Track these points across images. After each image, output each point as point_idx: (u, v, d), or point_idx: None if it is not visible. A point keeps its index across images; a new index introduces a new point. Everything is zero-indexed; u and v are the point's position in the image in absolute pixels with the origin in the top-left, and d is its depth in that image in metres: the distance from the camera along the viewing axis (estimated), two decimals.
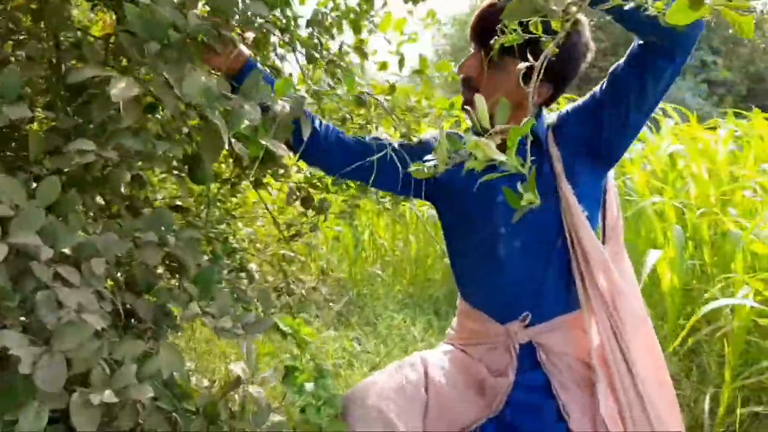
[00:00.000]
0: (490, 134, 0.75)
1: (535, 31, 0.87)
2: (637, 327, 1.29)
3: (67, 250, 0.79)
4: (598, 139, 1.25)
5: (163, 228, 0.89)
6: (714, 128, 3.45)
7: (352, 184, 1.73)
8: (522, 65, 0.84)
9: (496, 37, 0.92)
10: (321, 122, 1.37)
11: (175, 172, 1.15)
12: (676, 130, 3.06)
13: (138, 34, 0.69)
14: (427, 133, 1.57)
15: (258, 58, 1.45)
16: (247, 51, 1.20)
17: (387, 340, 2.25)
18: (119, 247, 0.82)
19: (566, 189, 1.27)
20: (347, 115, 1.81)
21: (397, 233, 3.48)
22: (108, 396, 0.68)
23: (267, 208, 1.82)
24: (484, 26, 1.26)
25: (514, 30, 0.90)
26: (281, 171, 1.51)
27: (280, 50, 1.59)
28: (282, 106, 0.82)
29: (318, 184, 1.78)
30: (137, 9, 0.69)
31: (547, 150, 1.30)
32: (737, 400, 1.90)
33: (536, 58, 0.80)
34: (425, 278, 3.06)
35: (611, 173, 1.37)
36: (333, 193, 1.82)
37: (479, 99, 0.75)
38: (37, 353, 0.65)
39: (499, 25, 0.91)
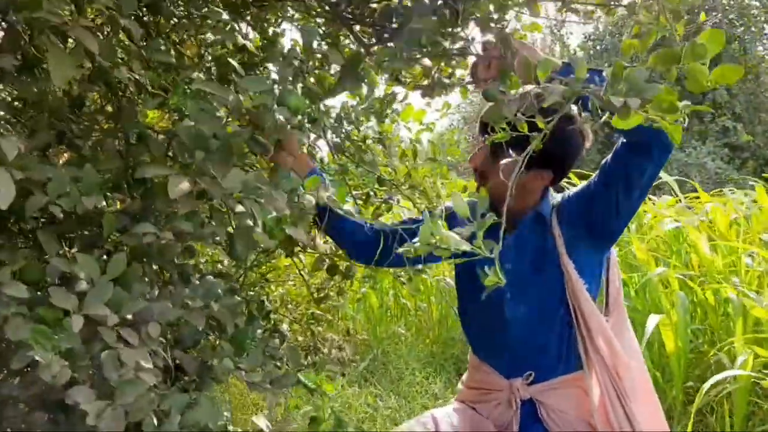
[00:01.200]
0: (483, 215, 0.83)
1: (521, 130, 0.98)
2: (641, 396, 1.33)
3: (128, 316, 0.90)
4: (593, 222, 1.33)
5: (208, 296, 0.99)
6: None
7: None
8: (506, 160, 0.94)
9: (489, 134, 1.03)
10: (356, 222, 1.44)
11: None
12: (684, 201, 3.09)
13: (187, 145, 0.82)
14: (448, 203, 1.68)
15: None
16: (311, 162, 1.38)
17: (408, 397, 2.29)
18: (172, 313, 0.92)
19: (567, 263, 1.34)
20: (371, 192, 1.94)
21: (420, 294, 3.54)
22: None
23: (299, 272, 1.92)
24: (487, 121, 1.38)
25: (503, 128, 1.01)
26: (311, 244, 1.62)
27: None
28: (308, 200, 0.94)
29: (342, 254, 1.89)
30: (184, 125, 0.82)
31: (551, 227, 1.38)
32: None
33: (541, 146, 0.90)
34: (447, 337, 3.10)
35: (614, 249, 1.44)
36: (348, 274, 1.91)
37: (455, 196, 0.85)
38: (101, 407, 0.74)
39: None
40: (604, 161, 1.28)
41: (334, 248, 1.84)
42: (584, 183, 1.39)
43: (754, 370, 1.80)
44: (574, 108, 1.33)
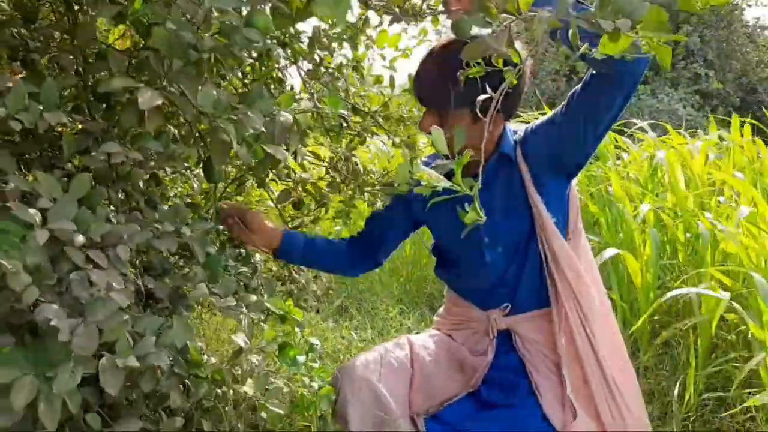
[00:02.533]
0: (453, 157, 0.84)
1: (496, 65, 0.97)
2: (600, 317, 1.39)
3: (96, 238, 0.89)
4: (559, 156, 1.34)
5: (178, 220, 0.99)
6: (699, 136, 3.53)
7: (348, 189, 1.83)
8: (481, 97, 0.94)
9: (460, 71, 1.02)
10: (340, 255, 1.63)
11: (188, 171, 1.25)
12: (658, 141, 3.14)
13: (162, 53, 0.79)
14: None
15: (263, 69, 1.56)
16: (278, 229, 1.50)
17: (383, 331, 2.35)
18: (141, 236, 0.92)
19: (535, 197, 1.37)
20: (344, 122, 1.91)
21: None
22: (131, 361, 0.77)
23: (273, 202, 1.91)
24: (423, 86, 1.37)
25: (477, 63, 1.00)
26: (285, 172, 1.61)
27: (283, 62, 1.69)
28: (285, 117, 0.92)
29: (312, 185, 1.88)
30: (164, 32, 0.79)
31: (517, 164, 1.40)
32: (704, 387, 2.00)
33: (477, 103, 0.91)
34: (420, 276, 3.16)
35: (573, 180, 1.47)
36: (321, 202, 1.91)
37: (435, 129, 0.84)
38: (73, 324, 0.75)
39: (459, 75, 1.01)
40: (571, 93, 1.29)
41: (302, 179, 1.83)
42: (548, 116, 1.39)
43: (719, 303, 1.89)
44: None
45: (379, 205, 1.86)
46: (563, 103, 1.32)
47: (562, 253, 1.36)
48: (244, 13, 0.97)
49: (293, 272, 1.67)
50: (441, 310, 1.67)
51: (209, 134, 0.84)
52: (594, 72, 1.19)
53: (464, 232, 0.90)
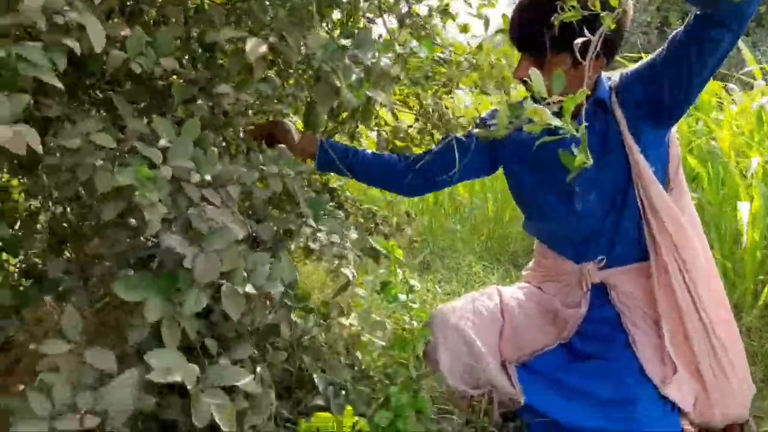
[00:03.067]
0: (548, 102, 0.83)
1: (593, 8, 0.94)
2: (702, 270, 1.34)
3: (208, 178, 0.95)
4: (658, 102, 1.29)
5: (282, 163, 1.04)
6: None
7: (432, 138, 1.84)
8: (579, 40, 0.91)
9: (556, 15, 0.99)
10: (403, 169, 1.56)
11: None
12: (765, 88, 2.93)
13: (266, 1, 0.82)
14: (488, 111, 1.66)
15: (349, 24, 1.58)
16: (313, 136, 1.42)
17: (467, 285, 2.37)
18: (249, 177, 0.97)
19: (632, 145, 1.33)
20: (429, 73, 1.91)
21: (476, 192, 3.56)
22: (249, 288, 0.83)
23: None
24: (521, 30, 1.33)
25: (572, 6, 0.97)
26: (376, 120, 1.64)
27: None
28: (385, 62, 0.94)
29: (404, 137, 1.90)
30: None
31: (612, 111, 1.36)
32: None
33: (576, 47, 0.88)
34: (503, 234, 3.14)
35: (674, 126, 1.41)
36: (416, 146, 1.93)
37: (534, 72, 0.82)
38: (195, 252, 0.81)
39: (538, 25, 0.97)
40: (672, 36, 1.23)
41: (394, 128, 1.86)
42: (645, 60, 1.34)
43: None
44: None
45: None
46: (663, 46, 1.26)
47: (660, 203, 1.32)
48: None
49: (378, 224, 1.71)
50: (530, 263, 1.67)
51: (315, 80, 0.87)
52: (698, 13, 1.13)
53: (570, 176, 0.88)
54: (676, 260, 1.33)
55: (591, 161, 0.80)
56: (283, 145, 1.29)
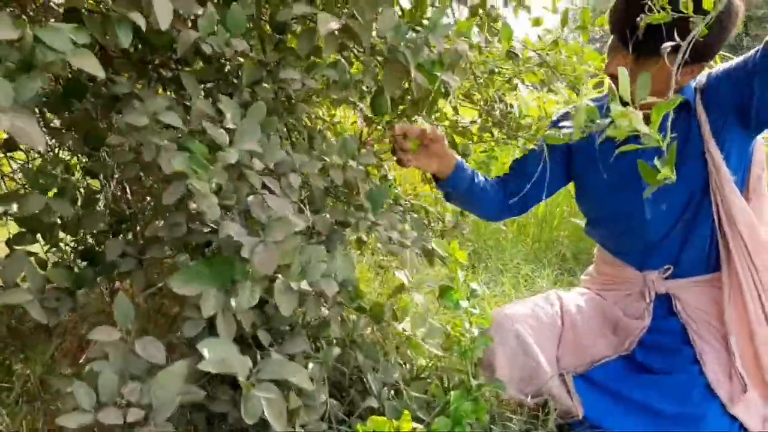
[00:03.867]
0: (634, 106, 0.75)
1: (685, 11, 0.86)
2: None
3: (270, 165, 0.92)
4: (748, 106, 1.19)
5: (345, 153, 0.99)
6: None
7: (500, 134, 1.76)
8: (667, 44, 0.83)
9: (641, 16, 0.91)
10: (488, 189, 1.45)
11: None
12: None
13: None
14: (562, 110, 1.57)
15: (417, 12, 1.51)
16: (454, 155, 1.35)
17: (516, 286, 2.29)
18: (312, 166, 0.93)
19: (714, 151, 1.23)
20: (495, 68, 1.84)
21: None
22: (304, 284, 0.79)
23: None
24: (626, 23, 1.18)
25: (662, 8, 0.89)
26: (436, 114, 1.57)
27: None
28: (462, 47, 0.88)
29: (462, 129, 1.83)
30: None
31: (695, 112, 1.26)
32: None
33: (663, 51, 0.80)
34: (550, 237, 3.04)
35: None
36: (475, 143, 1.86)
37: (622, 72, 0.75)
38: (254, 242, 0.77)
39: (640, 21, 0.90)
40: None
41: (453, 122, 1.79)
42: (736, 60, 1.23)
43: None
44: None
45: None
46: (759, 46, 1.16)
47: (739, 214, 1.23)
48: None
49: (431, 221, 1.65)
50: (590, 268, 1.59)
51: (385, 62, 0.82)
52: None
53: (647, 191, 0.80)
54: (751, 274, 1.24)
55: (674, 177, 0.73)
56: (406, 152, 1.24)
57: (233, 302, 0.77)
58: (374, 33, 0.84)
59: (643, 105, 0.75)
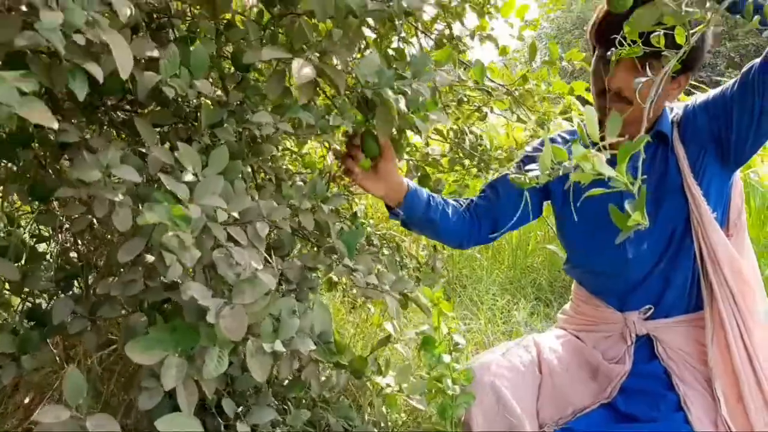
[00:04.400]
0: (602, 147, 0.72)
1: (656, 45, 0.85)
2: (762, 326, 1.23)
3: (235, 214, 0.86)
4: (726, 139, 1.19)
5: (315, 197, 0.94)
6: None
7: (466, 168, 1.73)
8: (640, 80, 0.82)
9: (611, 51, 0.90)
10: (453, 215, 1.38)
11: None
12: None
13: (317, 18, 0.73)
14: (533, 142, 1.55)
15: (383, 43, 1.48)
16: (405, 181, 1.27)
17: (492, 320, 2.25)
18: (280, 212, 0.88)
19: (693, 186, 1.22)
20: (464, 98, 1.82)
21: None
22: (278, 346, 0.73)
23: None
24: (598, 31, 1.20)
25: (633, 42, 0.88)
26: (407, 150, 1.54)
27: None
28: (441, 76, 0.85)
29: (433, 161, 1.80)
30: None
31: (673, 147, 1.25)
32: None
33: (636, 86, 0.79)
34: (525, 264, 3.03)
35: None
36: (447, 172, 1.83)
37: (588, 111, 0.73)
38: (219, 304, 0.71)
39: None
40: (747, 68, 1.12)
41: (424, 154, 1.76)
42: (712, 93, 1.23)
43: None
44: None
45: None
46: (735, 78, 1.16)
47: (722, 252, 1.21)
48: None
49: (404, 258, 1.61)
50: (567, 306, 1.55)
51: (375, 104, 0.78)
52: None
53: (619, 237, 0.77)
54: (734, 315, 1.22)
55: (647, 222, 0.69)
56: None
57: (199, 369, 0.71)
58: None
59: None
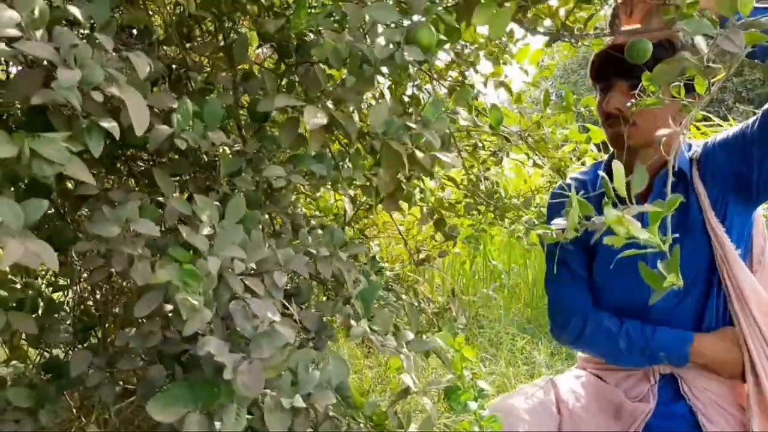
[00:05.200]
0: (630, 202, 0.71)
1: (677, 96, 0.85)
2: None
3: (252, 264, 0.85)
4: (747, 177, 1.17)
5: (333, 244, 0.93)
6: None
7: (486, 211, 1.72)
8: (663, 131, 0.82)
9: (633, 102, 0.90)
10: None
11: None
12: None
13: (332, 66, 0.73)
14: (555, 188, 1.54)
15: (395, 88, 1.49)
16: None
17: (512, 362, 2.20)
18: (299, 261, 0.86)
19: (715, 225, 1.20)
20: (479, 143, 1.81)
21: (513, 258, 3.41)
22: (298, 401, 0.71)
23: (399, 231, 1.85)
24: (620, 58, 1.22)
25: (653, 92, 0.88)
26: (420, 195, 1.53)
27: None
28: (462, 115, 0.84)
29: (449, 206, 1.79)
30: (333, 43, 0.73)
31: (693, 184, 1.24)
32: None
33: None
34: (543, 303, 2.98)
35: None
36: (462, 216, 1.82)
37: (617, 167, 0.72)
38: (237, 360, 0.69)
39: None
40: (766, 107, 1.12)
41: (438, 199, 1.75)
42: (731, 131, 1.22)
43: None
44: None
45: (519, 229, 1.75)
46: (756, 116, 1.15)
47: (748, 289, 1.18)
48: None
49: (421, 302, 1.58)
50: None
51: (383, 148, 0.77)
52: None
53: (653, 298, 0.75)
54: (764, 351, 1.17)
55: (681, 282, 0.67)
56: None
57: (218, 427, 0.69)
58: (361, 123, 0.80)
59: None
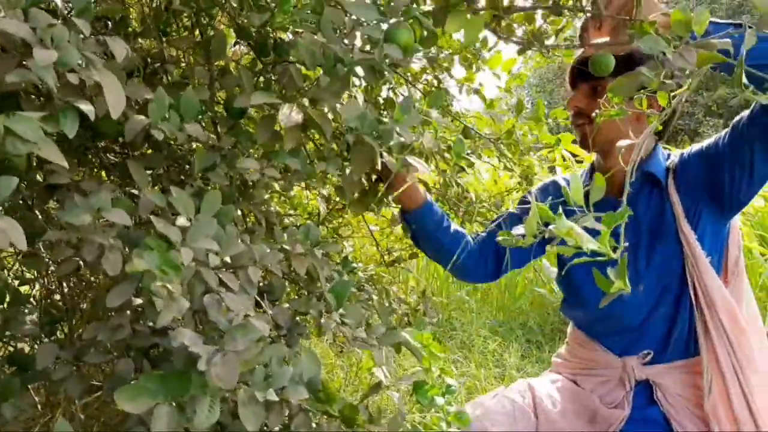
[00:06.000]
0: (588, 210, 0.72)
1: (639, 107, 0.88)
2: (761, 374, 1.22)
3: (227, 259, 0.84)
4: (720, 189, 1.20)
5: (309, 242, 0.93)
6: None
7: (457, 216, 1.74)
8: (623, 143, 0.84)
9: (597, 112, 0.93)
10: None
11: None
12: None
13: (307, 66, 0.74)
14: (548, 180, 1.56)
15: (370, 89, 1.50)
16: (425, 193, 1.36)
17: (483, 364, 2.22)
18: (273, 257, 0.86)
19: (687, 233, 1.23)
20: (451, 144, 1.83)
21: None
22: (271, 395, 0.70)
23: (370, 231, 1.85)
24: (584, 64, 1.27)
25: (617, 104, 0.90)
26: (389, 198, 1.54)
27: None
28: (428, 139, 0.85)
29: None
30: (307, 44, 0.73)
31: (667, 192, 1.27)
32: None
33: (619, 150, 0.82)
34: (514, 307, 3.01)
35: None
36: None
37: (574, 179, 0.73)
38: (210, 351, 0.68)
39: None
40: (737, 119, 1.15)
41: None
42: (706, 143, 1.26)
43: None
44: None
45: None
46: (728, 129, 1.18)
47: (718, 297, 1.21)
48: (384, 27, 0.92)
49: (392, 303, 1.59)
50: (562, 350, 1.53)
51: (353, 145, 0.78)
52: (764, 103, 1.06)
53: (603, 300, 0.76)
54: (732, 362, 1.20)
55: (629, 289, 0.68)
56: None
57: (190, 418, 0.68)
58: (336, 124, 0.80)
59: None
